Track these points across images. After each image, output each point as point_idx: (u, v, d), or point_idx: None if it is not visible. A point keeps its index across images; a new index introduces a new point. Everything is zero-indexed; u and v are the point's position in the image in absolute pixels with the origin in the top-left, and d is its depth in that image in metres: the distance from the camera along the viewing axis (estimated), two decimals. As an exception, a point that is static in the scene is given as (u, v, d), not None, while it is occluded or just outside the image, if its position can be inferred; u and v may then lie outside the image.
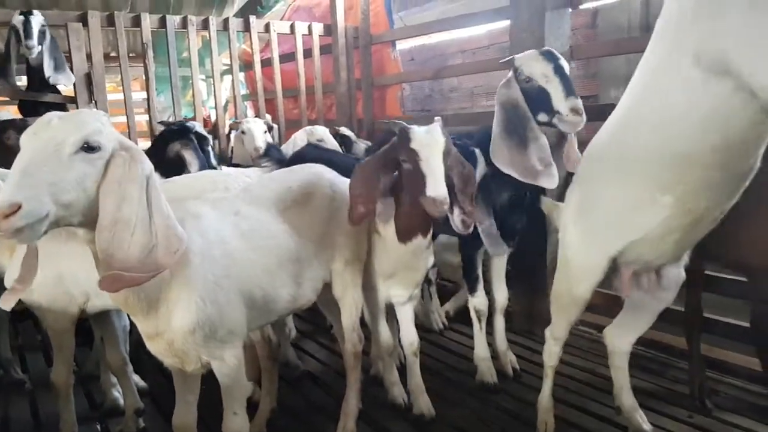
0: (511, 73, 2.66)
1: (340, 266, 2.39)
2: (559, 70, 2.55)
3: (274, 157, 3.78)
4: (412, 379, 2.71)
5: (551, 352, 2.49)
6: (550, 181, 2.57)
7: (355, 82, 5.63)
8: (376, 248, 2.52)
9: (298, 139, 4.36)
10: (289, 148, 4.27)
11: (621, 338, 2.46)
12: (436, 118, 2.41)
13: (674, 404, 2.74)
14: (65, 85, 4.59)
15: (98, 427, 2.78)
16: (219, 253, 1.90)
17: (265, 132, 4.22)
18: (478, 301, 3.02)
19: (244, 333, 1.98)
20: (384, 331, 2.70)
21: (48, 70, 4.45)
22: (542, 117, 2.60)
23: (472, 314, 3.06)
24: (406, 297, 2.64)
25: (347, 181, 2.58)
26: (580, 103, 2.51)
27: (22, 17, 4.19)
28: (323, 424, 2.65)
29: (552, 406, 2.51)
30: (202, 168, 3.21)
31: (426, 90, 6.48)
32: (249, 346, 2.66)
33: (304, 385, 3.13)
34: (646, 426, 2.41)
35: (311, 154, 3.62)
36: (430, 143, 2.20)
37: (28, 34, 4.18)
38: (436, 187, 2.13)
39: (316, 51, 5.55)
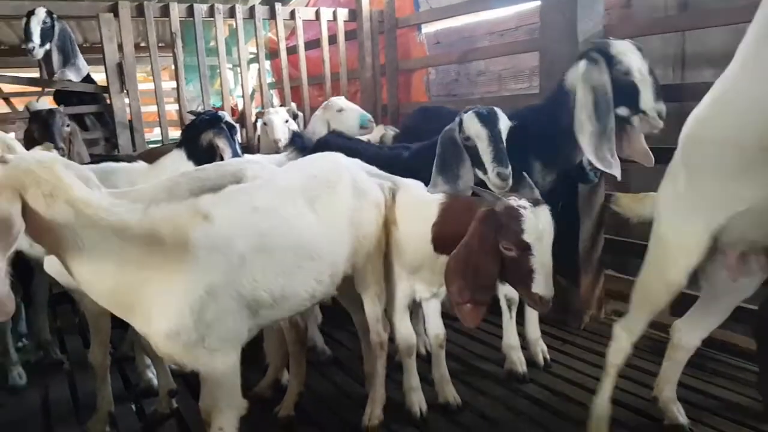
0: (601, 58, 2.64)
1: (362, 259, 2.35)
2: (652, 72, 2.60)
3: (297, 145, 3.79)
4: (437, 370, 2.70)
5: (620, 349, 2.28)
6: (618, 171, 2.63)
7: (380, 68, 5.59)
8: (400, 242, 2.46)
9: (317, 118, 4.35)
10: (311, 128, 4.29)
11: (691, 333, 2.34)
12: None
13: (740, 411, 2.57)
14: (74, 79, 4.65)
15: (133, 407, 2.87)
16: (223, 259, 1.83)
17: (287, 121, 4.20)
18: (509, 289, 2.95)
19: (240, 340, 1.91)
20: (405, 329, 2.57)
21: (56, 66, 4.51)
22: (622, 111, 2.62)
23: (502, 303, 3.01)
24: (430, 294, 2.58)
25: (371, 169, 2.55)
26: (665, 109, 2.55)
27: (25, 18, 4.22)
28: (350, 410, 2.67)
29: (609, 412, 2.33)
30: (234, 156, 3.24)
31: (452, 74, 6.39)
32: (277, 330, 2.70)
33: (331, 370, 3.16)
34: (683, 418, 2.35)
35: (335, 142, 3.61)
36: (543, 236, 1.97)
37: (26, 36, 4.23)
38: (547, 286, 1.96)
39: (341, 37, 5.53)
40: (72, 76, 4.66)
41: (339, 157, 2.48)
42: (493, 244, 2.02)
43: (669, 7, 4.59)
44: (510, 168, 2.54)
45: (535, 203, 2.01)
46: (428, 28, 6.21)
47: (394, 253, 2.49)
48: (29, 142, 3.57)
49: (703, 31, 3.69)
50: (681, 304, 2.33)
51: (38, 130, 3.68)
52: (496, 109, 2.66)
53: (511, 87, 5.65)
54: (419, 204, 2.44)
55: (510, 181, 2.54)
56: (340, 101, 4.35)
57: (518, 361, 2.97)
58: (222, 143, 3.23)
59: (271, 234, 1.97)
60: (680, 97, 3.07)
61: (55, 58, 4.50)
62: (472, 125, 2.61)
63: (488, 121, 2.59)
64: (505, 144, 2.59)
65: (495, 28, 5.86)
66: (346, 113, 4.25)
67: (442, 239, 2.29)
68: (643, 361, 2.89)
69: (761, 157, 1.71)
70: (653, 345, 2.93)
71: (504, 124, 2.62)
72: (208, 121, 3.33)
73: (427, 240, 2.34)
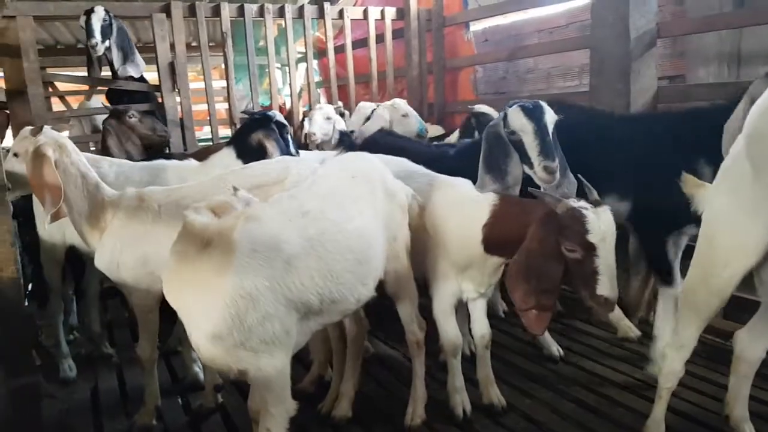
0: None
1: (393, 261, 2.32)
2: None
3: (345, 143, 3.81)
4: (482, 371, 2.67)
5: (672, 372, 2.15)
6: None
7: (427, 66, 5.57)
8: (447, 241, 2.44)
9: (379, 116, 4.31)
10: (370, 125, 4.26)
11: (754, 344, 2.18)
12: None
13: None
14: (134, 74, 4.79)
15: (179, 400, 2.93)
16: (269, 260, 1.81)
17: (329, 119, 4.20)
18: None
19: (288, 344, 1.87)
20: (450, 329, 2.54)
21: (117, 62, 4.66)
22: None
23: None
24: (477, 294, 2.55)
25: (416, 168, 2.53)
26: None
27: (84, 16, 4.36)
28: (393, 408, 2.66)
29: None
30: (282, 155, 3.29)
31: (500, 72, 6.31)
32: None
33: (373, 368, 3.16)
34: None
35: (384, 141, 3.61)
36: (607, 236, 1.95)
37: (89, 33, 4.37)
38: (612, 287, 1.94)
39: (389, 35, 5.54)
40: (132, 72, 4.81)
41: (371, 157, 2.48)
42: (555, 247, 2.00)
43: (724, 3, 4.41)
44: (557, 162, 2.47)
45: (596, 204, 1.99)
46: (476, 26, 6.16)
47: (442, 252, 2.47)
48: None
49: (760, 27, 3.53)
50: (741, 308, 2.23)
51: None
52: (541, 102, 2.60)
53: (560, 85, 5.55)
54: (469, 203, 2.42)
55: (557, 176, 2.47)
56: (406, 106, 4.34)
57: (553, 344, 2.93)
58: (270, 144, 3.28)
59: (321, 238, 1.97)
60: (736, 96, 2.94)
61: (115, 55, 4.65)
62: (517, 119, 2.55)
63: (533, 114, 2.53)
64: (551, 137, 2.52)
65: (544, 25, 5.76)
66: (409, 119, 4.27)
67: (493, 240, 2.27)
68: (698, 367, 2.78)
69: None
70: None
71: (550, 117, 2.56)
72: (259, 121, 3.39)
73: (477, 240, 2.32)
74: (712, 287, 1.97)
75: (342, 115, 4.74)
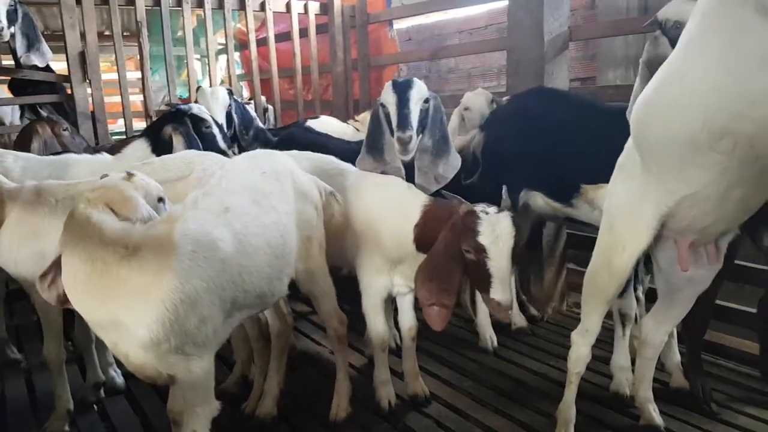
0: (658, 31, 2.45)
1: (307, 261, 2.31)
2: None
3: (261, 139, 3.75)
4: (408, 362, 2.71)
5: (579, 356, 2.27)
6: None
7: (352, 62, 5.59)
8: (382, 237, 2.47)
9: (474, 102, 3.78)
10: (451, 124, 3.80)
11: (657, 329, 2.35)
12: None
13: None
14: (39, 64, 4.53)
15: (95, 406, 2.79)
16: (208, 261, 1.76)
17: (230, 106, 3.93)
18: (625, 304, 2.78)
19: (216, 344, 1.85)
20: (380, 323, 2.58)
21: (20, 50, 4.39)
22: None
23: (615, 317, 2.87)
24: (408, 289, 2.59)
25: (338, 164, 2.55)
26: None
27: None
28: (319, 404, 2.66)
29: (573, 416, 2.32)
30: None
31: (423, 71, 6.44)
32: (242, 325, 2.67)
33: (299, 364, 3.15)
34: (658, 419, 2.37)
35: (304, 137, 3.58)
36: (499, 240, 2.02)
37: None
38: (504, 291, 2.00)
39: (312, 30, 5.50)
40: (37, 60, 4.53)
41: (280, 154, 2.46)
42: (456, 248, 2.08)
43: (631, 9, 4.71)
44: (411, 133, 2.48)
45: (500, 209, 2.08)
46: (400, 25, 6.24)
47: (375, 249, 2.50)
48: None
49: (663, 33, 3.79)
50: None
51: None
52: (415, 79, 2.66)
53: (480, 85, 5.71)
54: (403, 203, 2.45)
55: (411, 147, 2.50)
56: (470, 101, 3.85)
57: (626, 382, 2.68)
58: (176, 138, 3.19)
59: (245, 233, 1.94)
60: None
61: (19, 42, 4.36)
62: (386, 92, 2.62)
63: (400, 87, 2.59)
64: (416, 112, 2.54)
65: (465, 26, 5.93)
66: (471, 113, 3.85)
67: (423, 240, 2.33)
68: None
69: (706, 141, 1.68)
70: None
71: (417, 92, 2.58)
72: (172, 114, 3.31)
73: (409, 239, 2.37)
74: (613, 270, 2.09)
75: (265, 110, 4.67)
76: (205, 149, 3.15)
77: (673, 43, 2.29)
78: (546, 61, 3.78)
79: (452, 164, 2.63)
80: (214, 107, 3.70)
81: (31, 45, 4.47)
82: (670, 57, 1.84)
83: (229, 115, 3.85)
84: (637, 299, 2.91)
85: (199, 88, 4.00)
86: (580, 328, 2.28)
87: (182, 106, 3.41)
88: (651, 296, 2.80)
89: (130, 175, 1.92)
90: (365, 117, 4.23)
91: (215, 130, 3.39)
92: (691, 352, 2.63)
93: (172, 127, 3.21)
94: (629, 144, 2.10)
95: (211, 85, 4.59)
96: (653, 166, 1.93)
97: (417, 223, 2.36)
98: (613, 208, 2.12)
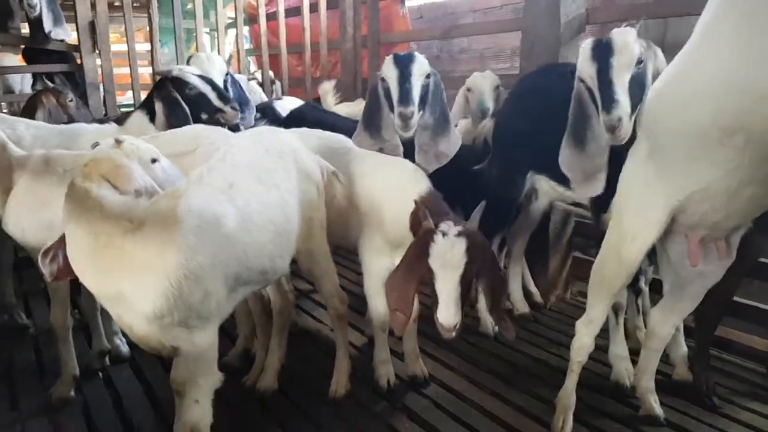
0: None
1: (308, 241, 2.31)
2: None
3: (269, 116, 3.70)
4: (408, 343, 2.73)
5: (581, 345, 2.27)
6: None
7: (362, 39, 5.52)
8: (384, 218, 2.47)
9: (477, 83, 3.66)
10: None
11: (664, 321, 2.34)
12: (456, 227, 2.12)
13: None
14: (64, 39, 4.55)
15: (100, 374, 2.84)
16: (212, 237, 1.78)
17: (227, 74, 3.80)
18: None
19: (220, 317, 1.89)
20: (381, 304, 2.55)
21: (48, 24, 4.41)
22: None
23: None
24: None
25: (346, 143, 2.56)
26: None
27: None
28: (319, 380, 2.69)
29: (573, 403, 2.32)
30: (168, 119, 3.11)
31: (434, 50, 6.36)
32: (242, 301, 2.69)
33: (300, 341, 3.18)
34: (658, 410, 2.37)
35: (312, 115, 3.56)
36: (446, 265, 2.03)
37: None
38: (447, 314, 2.02)
39: (323, 5, 5.44)
40: (63, 35, 4.58)
41: (285, 132, 2.45)
42: (416, 261, 2.10)
43: (651, -7, 4.61)
44: (413, 108, 2.46)
45: (459, 234, 2.06)
46: (412, 2, 6.15)
47: (378, 229, 2.50)
48: None
49: (684, 18, 3.72)
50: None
51: None
52: (416, 53, 2.63)
53: (493, 66, 5.66)
54: (406, 186, 2.45)
55: (412, 123, 2.48)
56: (473, 82, 3.77)
57: (626, 372, 2.64)
58: (157, 105, 3.11)
59: (248, 210, 1.95)
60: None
61: (46, 17, 4.38)
62: (387, 67, 2.59)
63: (401, 61, 2.56)
64: (417, 87, 2.52)
65: (479, 5, 5.83)
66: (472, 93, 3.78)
67: (415, 230, 2.33)
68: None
69: (717, 136, 1.66)
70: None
71: (420, 67, 2.56)
72: (158, 83, 3.25)
73: (406, 225, 2.38)
74: (621, 261, 2.08)
75: (273, 83, 4.64)
76: (194, 113, 3.10)
77: None
78: (561, 44, 3.71)
79: (453, 142, 2.61)
80: (210, 71, 3.47)
81: (57, 20, 4.49)
82: (683, 50, 1.82)
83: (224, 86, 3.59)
84: (641, 290, 2.91)
85: (191, 56, 3.81)
86: (584, 318, 2.28)
87: (164, 70, 3.35)
88: (655, 287, 2.80)
89: (118, 142, 1.91)
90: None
91: (205, 89, 3.16)
92: (699, 346, 2.61)
93: (154, 93, 3.16)
94: (641, 134, 2.08)
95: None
96: (664, 159, 1.91)
97: (413, 211, 2.36)
98: (623, 199, 2.10)
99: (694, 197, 1.85)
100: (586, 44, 2.18)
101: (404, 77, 2.50)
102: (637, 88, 2.07)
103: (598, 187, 2.26)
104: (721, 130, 1.64)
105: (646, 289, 2.96)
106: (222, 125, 3.07)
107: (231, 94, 3.44)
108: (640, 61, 2.08)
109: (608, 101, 2.03)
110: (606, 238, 2.18)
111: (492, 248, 2.53)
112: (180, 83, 3.14)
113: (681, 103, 1.79)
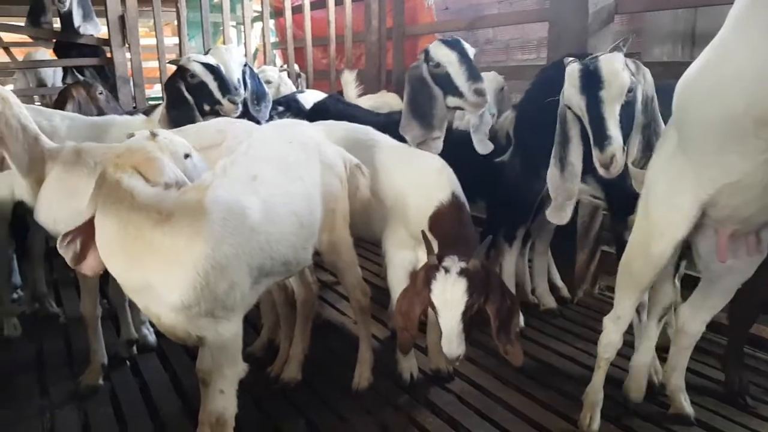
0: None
1: (330, 233, 2.32)
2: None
3: (292, 109, 3.70)
4: (431, 337, 2.70)
5: (609, 342, 2.23)
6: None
7: (387, 32, 5.50)
8: (409, 212, 2.47)
9: None
10: None
11: (694, 318, 2.26)
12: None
13: None
14: (94, 33, 4.64)
15: (128, 362, 2.89)
16: (238, 228, 1.80)
17: (268, 82, 3.93)
18: None
19: (244, 308, 1.91)
20: None
21: (77, 19, 4.50)
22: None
23: None
24: None
25: (367, 132, 2.59)
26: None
27: None
28: (342, 372, 2.70)
29: (600, 400, 2.28)
30: (169, 104, 3.15)
31: (460, 42, 6.29)
32: (267, 292, 2.71)
33: (323, 333, 3.19)
34: (688, 409, 2.31)
35: (334, 107, 3.55)
36: (447, 303, 2.07)
37: None
38: (449, 347, 2.08)
39: (348, -2, 5.43)
40: (92, 30, 4.67)
41: (307, 125, 2.47)
42: (421, 293, 2.15)
43: (681, -18, 4.48)
44: (484, 83, 2.54)
45: (461, 272, 2.07)
46: (437, -7, 6.09)
47: (401, 221, 2.50)
48: None
49: (714, 8, 3.61)
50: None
51: None
52: (458, 38, 2.69)
53: (519, 57, 5.58)
54: (428, 185, 2.46)
55: (488, 98, 2.56)
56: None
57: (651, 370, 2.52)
58: (165, 95, 3.15)
59: (272, 202, 1.96)
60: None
61: (76, 12, 4.47)
62: (440, 51, 2.64)
63: (456, 45, 2.62)
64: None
65: (505, -5, 5.75)
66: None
67: (434, 231, 2.35)
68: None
69: (751, 127, 1.61)
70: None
71: (471, 50, 2.65)
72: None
73: (425, 225, 2.38)
74: (649, 257, 2.03)
75: (299, 76, 4.65)
76: (198, 103, 3.11)
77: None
78: (589, 34, 3.64)
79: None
80: (228, 62, 3.39)
81: (87, 15, 4.58)
82: (715, 39, 1.76)
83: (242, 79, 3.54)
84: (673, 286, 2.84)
85: (209, 49, 3.76)
86: (612, 314, 2.24)
87: (180, 60, 3.37)
88: (687, 283, 2.72)
89: (153, 135, 1.94)
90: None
91: (207, 78, 3.10)
92: (733, 344, 2.54)
93: (166, 84, 3.22)
94: (669, 127, 2.02)
95: (246, 54, 4.59)
96: (694, 151, 1.85)
97: (431, 214, 2.39)
98: (651, 193, 2.05)
99: (724, 191, 1.79)
100: (572, 70, 2.17)
101: (465, 57, 2.60)
102: (628, 116, 2.08)
103: (563, 218, 2.35)
104: (754, 121, 1.59)
105: (678, 285, 2.88)
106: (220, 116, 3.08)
107: (249, 86, 3.44)
108: (630, 90, 2.07)
109: (600, 138, 2.04)
110: (633, 232, 2.13)
111: (501, 278, 2.56)
112: (184, 72, 3.14)
113: (712, 93, 1.73)
